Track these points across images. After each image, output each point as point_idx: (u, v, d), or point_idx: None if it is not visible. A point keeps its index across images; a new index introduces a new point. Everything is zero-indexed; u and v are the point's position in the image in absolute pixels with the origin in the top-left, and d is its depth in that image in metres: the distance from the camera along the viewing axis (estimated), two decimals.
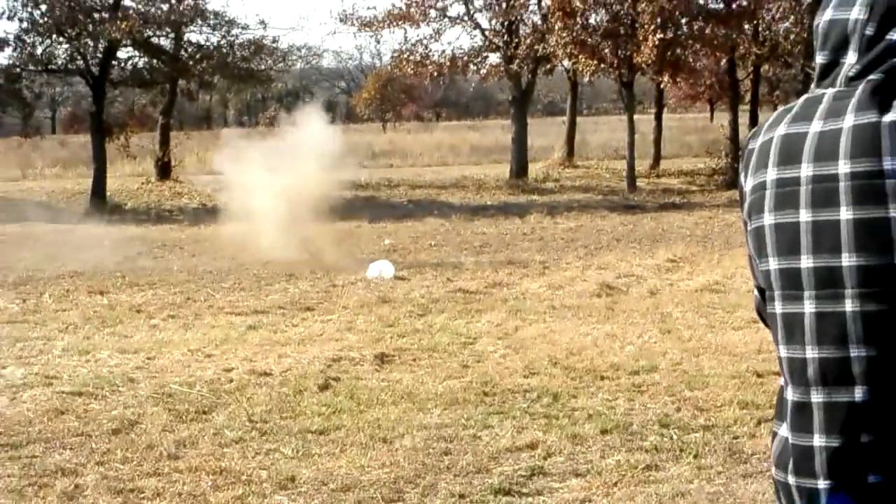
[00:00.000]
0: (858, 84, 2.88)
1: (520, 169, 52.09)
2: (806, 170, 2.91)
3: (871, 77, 2.86)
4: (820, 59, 3.02)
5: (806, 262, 2.91)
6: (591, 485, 9.42)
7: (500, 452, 10.37)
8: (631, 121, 48.64)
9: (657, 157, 54.40)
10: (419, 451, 10.45)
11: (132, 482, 9.73)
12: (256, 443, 10.87)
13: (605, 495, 9.17)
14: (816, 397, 2.91)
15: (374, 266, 22.91)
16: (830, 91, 2.95)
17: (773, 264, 3.00)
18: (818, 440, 2.90)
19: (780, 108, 3.11)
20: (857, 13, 2.94)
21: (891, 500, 2.80)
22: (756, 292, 3.23)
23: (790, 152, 2.96)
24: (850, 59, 2.93)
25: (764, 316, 3.18)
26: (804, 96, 3.04)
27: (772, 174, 2.99)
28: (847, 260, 2.83)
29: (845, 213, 2.83)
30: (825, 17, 3.02)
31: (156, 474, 9.95)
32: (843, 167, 2.83)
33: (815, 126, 2.92)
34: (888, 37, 2.88)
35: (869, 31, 2.91)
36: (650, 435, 10.82)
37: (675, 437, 10.72)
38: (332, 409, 12.10)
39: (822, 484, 2.89)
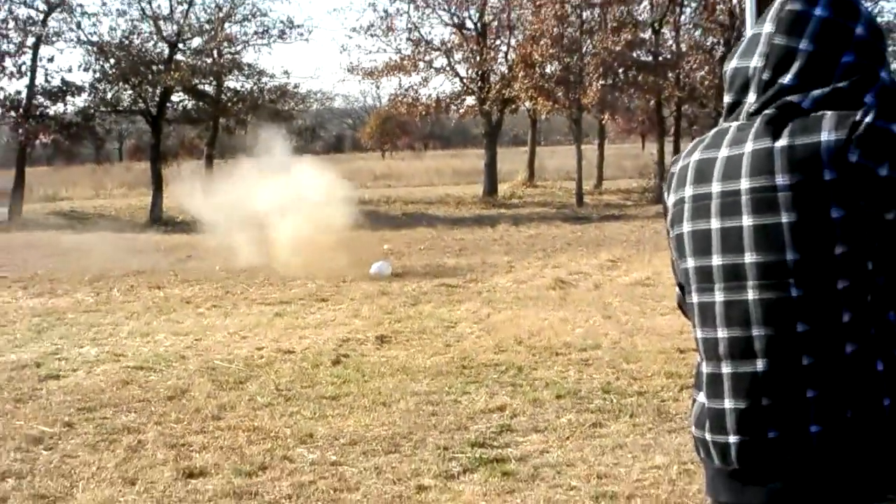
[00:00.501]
0: (757, 118, 2.89)
1: (491, 188, 52.15)
2: (716, 187, 2.92)
3: (766, 112, 2.87)
4: (727, 98, 3.04)
5: (716, 260, 2.92)
6: (548, 439, 9.41)
7: (476, 414, 10.36)
8: (579, 150, 48.72)
9: (600, 178, 54.40)
10: (411, 412, 10.44)
11: (183, 438, 9.71)
12: (282, 406, 10.85)
13: (560, 447, 9.15)
14: (726, 369, 2.91)
15: (375, 266, 22.88)
16: (735, 124, 2.97)
17: (691, 263, 3.01)
18: (728, 404, 2.90)
19: (696, 140, 3.12)
20: (755, 62, 2.96)
21: (786, 451, 2.80)
22: (677, 289, 3.24)
23: (703, 173, 2.97)
24: (751, 98, 2.95)
25: (684, 308, 3.19)
26: (715, 129, 3.05)
27: (689, 191, 3.01)
28: (749, 258, 2.84)
29: (746, 221, 2.84)
30: (731, 65, 3.04)
31: (202, 432, 9.93)
32: (745, 184, 2.84)
33: (723, 152, 2.93)
34: (779, 81, 2.90)
35: (765, 77, 2.93)
36: (595, 399, 10.81)
37: (614, 400, 10.71)
38: (342, 379, 12.08)
39: (732, 439, 2.89)
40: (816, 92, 2.85)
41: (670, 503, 7.55)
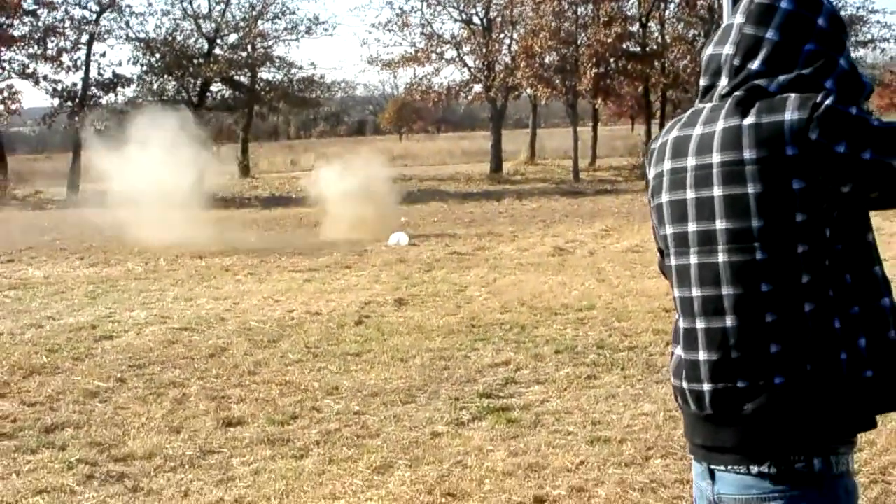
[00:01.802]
0: (728, 100, 2.89)
1: (496, 166, 52.07)
2: (691, 161, 2.92)
3: (736, 93, 2.88)
4: (702, 82, 3.05)
5: (692, 227, 2.92)
6: (549, 390, 9.42)
7: (484, 368, 10.37)
8: (575, 131, 48.64)
9: (594, 157, 54.24)
10: (426, 367, 10.45)
11: (223, 391, 9.73)
12: (311, 362, 10.86)
13: (559, 397, 9.16)
14: (700, 325, 2.92)
15: (393, 236, 22.89)
16: (708, 105, 2.97)
17: (669, 230, 3.01)
18: (702, 356, 2.90)
19: (674, 119, 3.12)
20: (728, 49, 2.96)
21: (754, 399, 2.81)
22: (658, 253, 3.24)
23: (680, 149, 2.97)
24: (723, 82, 2.95)
25: (664, 270, 3.18)
26: (690, 109, 3.06)
27: (667, 165, 3.01)
28: (719, 224, 2.84)
29: (717, 191, 2.84)
30: (707, 51, 3.05)
31: (240, 385, 9.95)
32: (716, 157, 2.85)
33: (698, 129, 2.94)
34: (748, 66, 2.90)
35: (736, 63, 2.93)
36: (590, 354, 10.81)
37: (608, 355, 10.70)
38: (364, 338, 12.09)
39: (706, 387, 2.90)
40: (782, 77, 2.85)
41: (657, 446, 7.55)
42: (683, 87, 50.46)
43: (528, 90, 50.79)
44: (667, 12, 51.21)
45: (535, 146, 58.59)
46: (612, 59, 48.10)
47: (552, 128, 75.68)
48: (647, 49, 49.83)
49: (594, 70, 46.44)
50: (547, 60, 48.62)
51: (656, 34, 50.79)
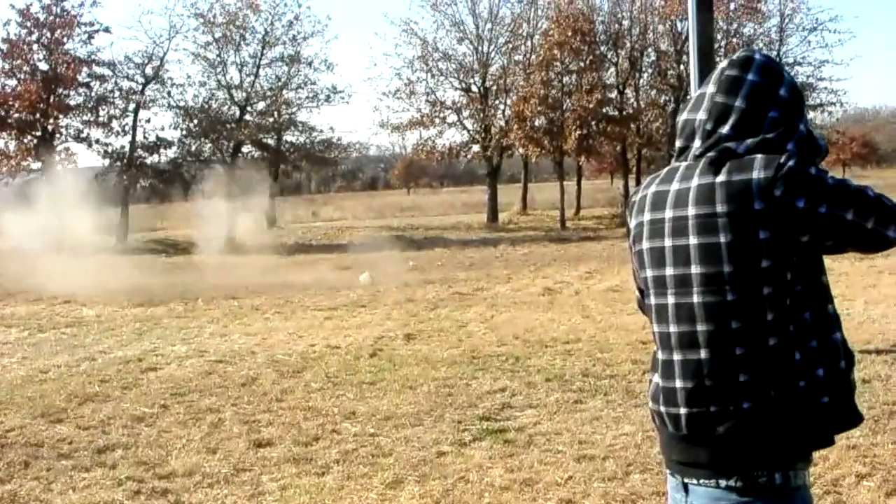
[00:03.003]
0: (701, 160, 2.91)
1: (493, 216, 52.04)
2: (668, 213, 2.94)
3: (709, 154, 2.90)
4: (678, 143, 3.07)
5: (669, 271, 2.94)
6: (540, 413, 9.41)
7: (483, 394, 10.35)
8: (561, 185, 48.69)
9: (578, 208, 54.21)
10: (432, 394, 10.44)
11: (254, 416, 9.72)
12: (331, 390, 10.85)
13: (549, 420, 9.14)
14: (677, 356, 2.93)
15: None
16: (684, 164, 2.99)
17: (649, 273, 3.02)
18: (679, 384, 2.92)
19: (651, 175, 3.14)
20: (701, 115, 2.98)
21: (724, 422, 2.82)
22: (637, 293, 3.26)
23: (658, 203, 2.99)
24: (697, 144, 2.97)
25: (642, 307, 3.20)
26: (667, 167, 3.07)
27: (647, 216, 3.02)
28: (694, 269, 2.86)
29: (693, 240, 2.86)
30: (682, 117, 3.07)
31: (269, 411, 9.94)
32: (692, 210, 2.87)
33: (675, 185, 2.95)
34: (719, 131, 2.92)
35: (708, 127, 2.95)
36: (576, 381, 10.80)
37: (592, 382, 10.69)
38: (378, 368, 12.08)
39: (682, 411, 2.91)
40: (749, 140, 2.87)
41: (637, 462, 7.54)
42: (656, 146, 50.68)
43: (521, 149, 50.84)
44: (641, 81, 51.49)
45: (526, 198, 58.59)
46: (593, 122, 48.21)
47: (542, 182, 75.72)
48: (624, 113, 50.02)
49: (578, 132, 46.58)
50: (537, 123, 48.76)
51: (632, 100, 50.96)
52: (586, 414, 9.30)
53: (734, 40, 48.14)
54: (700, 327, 2.87)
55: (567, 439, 8.39)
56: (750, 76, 2.95)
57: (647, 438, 8.13)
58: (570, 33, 47.38)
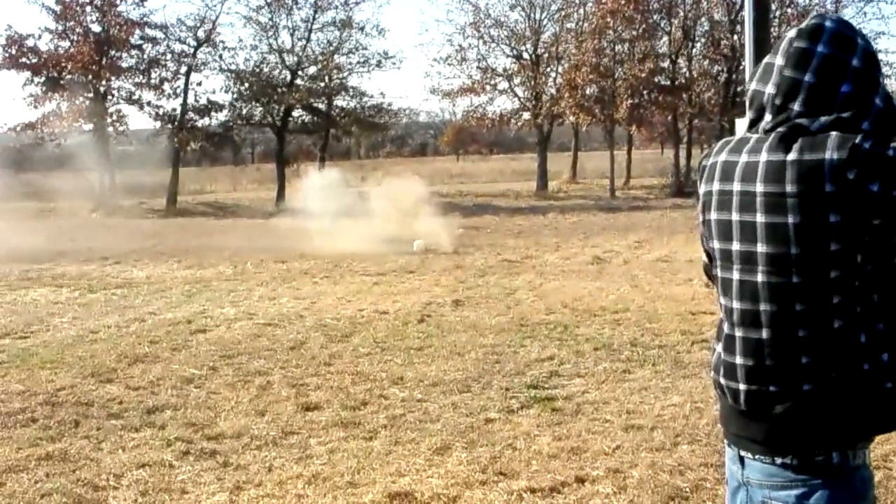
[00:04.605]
0: (772, 134, 2.82)
1: (542, 185, 51.92)
2: (736, 186, 2.85)
3: (780, 129, 2.80)
4: (750, 115, 2.95)
5: (735, 245, 2.86)
6: (588, 383, 9.37)
7: (531, 362, 10.33)
8: (612, 154, 48.60)
9: (628, 177, 54.05)
10: (480, 361, 10.43)
11: (302, 380, 9.76)
12: (379, 356, 10.87)
13: (597, 389, 9.10)
14: (738, 333, 2.87)
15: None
16: (755, 136, 2.88)
17: (716, 245, 2.95)
18: (739, 360, 2.86)
19: (722, 141, 3.04)
20: (770, 89, 2.87)
21: (784, 402, 2.78)
22: (704, 257, 3.18)
23: (727, 173, 2.90)
24: (767, 117, 2.86)
25: (709, 274, 3.13)
26: (738, 136, 2.98)
27: (716, 186, 2.93)
28: (760, 248, 2.78)
29: (760, 218, 2.77)
30: (752, 87, 2.95)
31: (317, 375, 9.97)
32: (759, 187, 2.78)
33: (744, 157, 2.85)
34: (790, 107, 2.81)
35: (777, 102, 2.84)
36: (625, 351, 10.75)
37: (640, 352, 10.64)
38: (426, 334, 12.08)
39: (741, 387, 2.85)
40: (823, 118, 2.75)
41: (685, 433, 7.49)
42: (708, 116, 50.30)
43: (571, 118, 50.67)
44: (694, 50, 51.02)
45: (576, 167, 58.47)
46: (645, 92, 47.98)
47: (591, 151, 75.49)
48: (676, 83, 49.64)
49: (629, 101, 46.42)
50: (588, 92, 48.59)
51: (684, 69, 50.53)
52: (634, 384, 9.26)
53: (789, 10, 47.48)
54: (763, 307, 2.81)
55: (615, 409, 8.36)
56: (819, 48, 2.83)
57: (696, 409, 8.08)
58: (623, 1, 47.03)
